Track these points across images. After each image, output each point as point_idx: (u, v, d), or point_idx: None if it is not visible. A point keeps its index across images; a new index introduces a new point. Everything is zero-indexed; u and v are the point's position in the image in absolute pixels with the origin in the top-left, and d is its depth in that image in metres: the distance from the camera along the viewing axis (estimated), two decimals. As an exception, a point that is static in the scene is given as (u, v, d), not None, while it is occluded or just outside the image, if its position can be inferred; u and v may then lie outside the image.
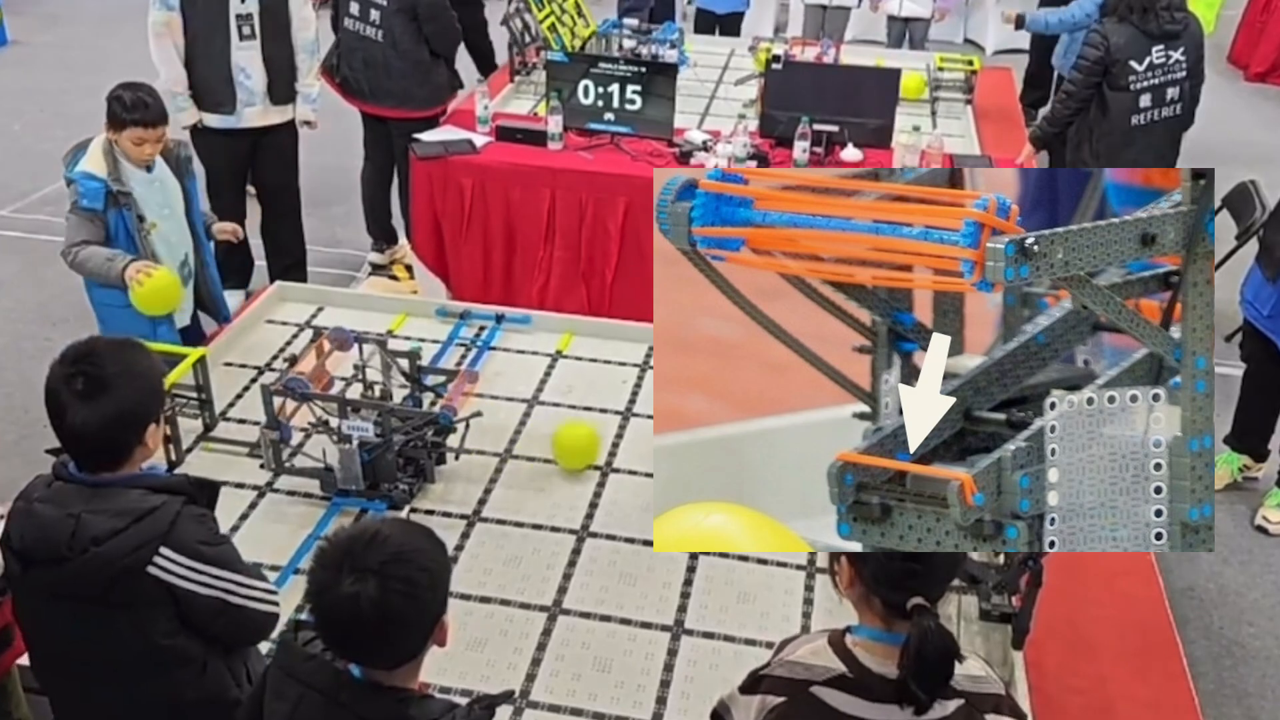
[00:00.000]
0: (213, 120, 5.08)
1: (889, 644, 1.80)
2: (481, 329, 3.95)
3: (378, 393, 3.29)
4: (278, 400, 3.06)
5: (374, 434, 3.00)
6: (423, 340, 3.81)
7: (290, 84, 5.19)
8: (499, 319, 3.98)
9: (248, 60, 5.00)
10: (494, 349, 3.86)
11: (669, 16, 7.48)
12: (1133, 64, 4.99)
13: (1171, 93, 5.10)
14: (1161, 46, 5.00)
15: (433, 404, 3.33)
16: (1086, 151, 5.25)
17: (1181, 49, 5.04)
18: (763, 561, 2.95)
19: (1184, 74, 5.09)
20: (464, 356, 3.80)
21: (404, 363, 3.34)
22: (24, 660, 2.57)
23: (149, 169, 3.86)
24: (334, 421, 3.04)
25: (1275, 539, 4.38)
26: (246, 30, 4.96)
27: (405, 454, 3.09)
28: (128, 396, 2.16)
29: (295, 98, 5.25)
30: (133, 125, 3.73)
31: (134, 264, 3.69)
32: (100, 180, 3.72)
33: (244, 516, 3.06)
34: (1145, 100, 5.07)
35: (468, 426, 3.18)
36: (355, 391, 3.34)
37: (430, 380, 3.41)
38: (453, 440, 3.19)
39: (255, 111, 5.12)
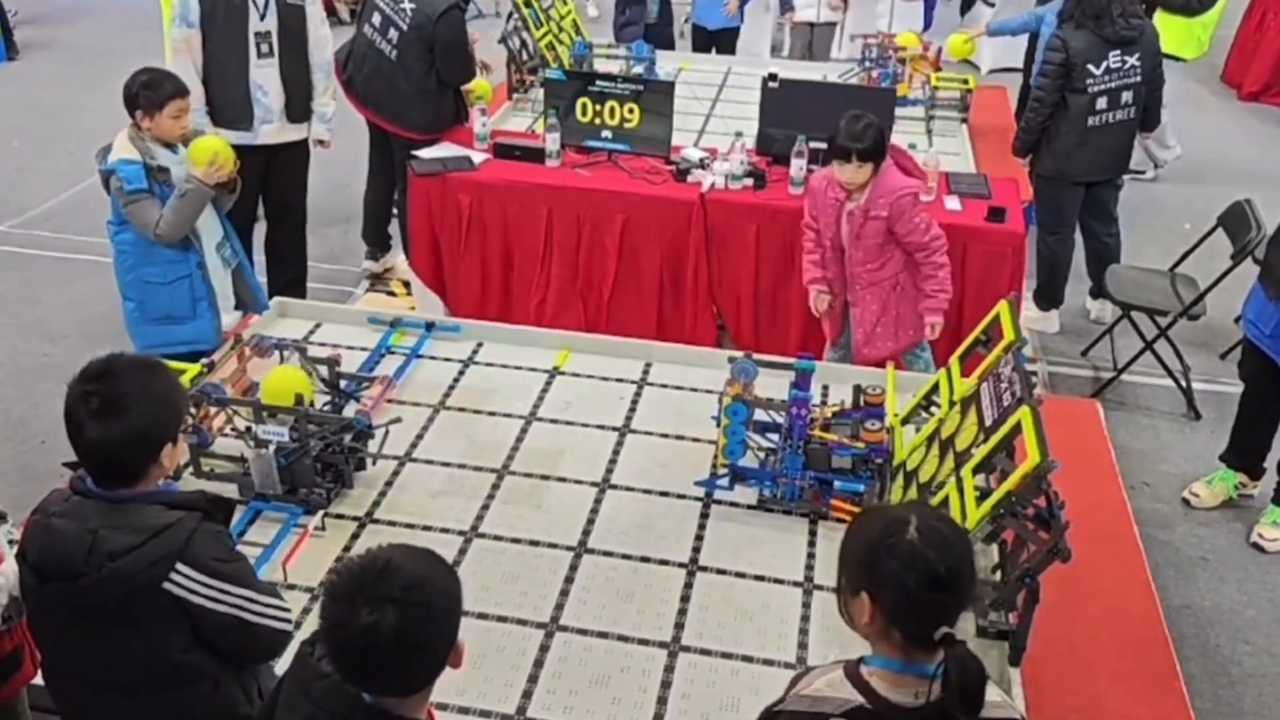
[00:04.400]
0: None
1: (909, 675, 1.79)
2: (480, 346, 3.96)
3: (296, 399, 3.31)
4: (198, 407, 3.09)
5: (290, 439, 3.01)
6: (420, 356, 3.83)
7: (306, 102, 5.22)
8: (429, 327, 4.00)
9: (265, 78, 5.03)
10: (491, 365, 3.86)
11: (668, 36, 7.52)
12: (1090, 68, 5.25)
13: (1126, 96, 5.35)
14: (1118, 52, 5.26)
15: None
16: (1045, 150, 5.50)
17: (1137, 55, 5.29)
18: (760, 578, 2.95)
19: (1139, 79, 5.34)
20: (461, 371, 3.81)
21: (323, 369, 3.34)
22: (33, 680, 2.57)
23: (174, 151, 4.01)
24: (252, 427, 3.06)
25: (1271, 556, 4.37)
26: (265, 48, 4.99)
27: (323, 459, 3.10)
28: (143, 417, 2.16)
29: (310, 116, 5.27)
30: (173, 98, 3.92)
31: (193, 174, 3.93)
32: (137, 162, 3.89)
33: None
34: (1101, 103, 5.33)
35: (387, 433, 3.20)
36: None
37: (354, 387, 3.42)
38: (373, 447, 3.21)
39: (272, 129, 5.14)
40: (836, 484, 3.11)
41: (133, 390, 2.16)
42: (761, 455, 3.19)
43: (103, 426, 2.13)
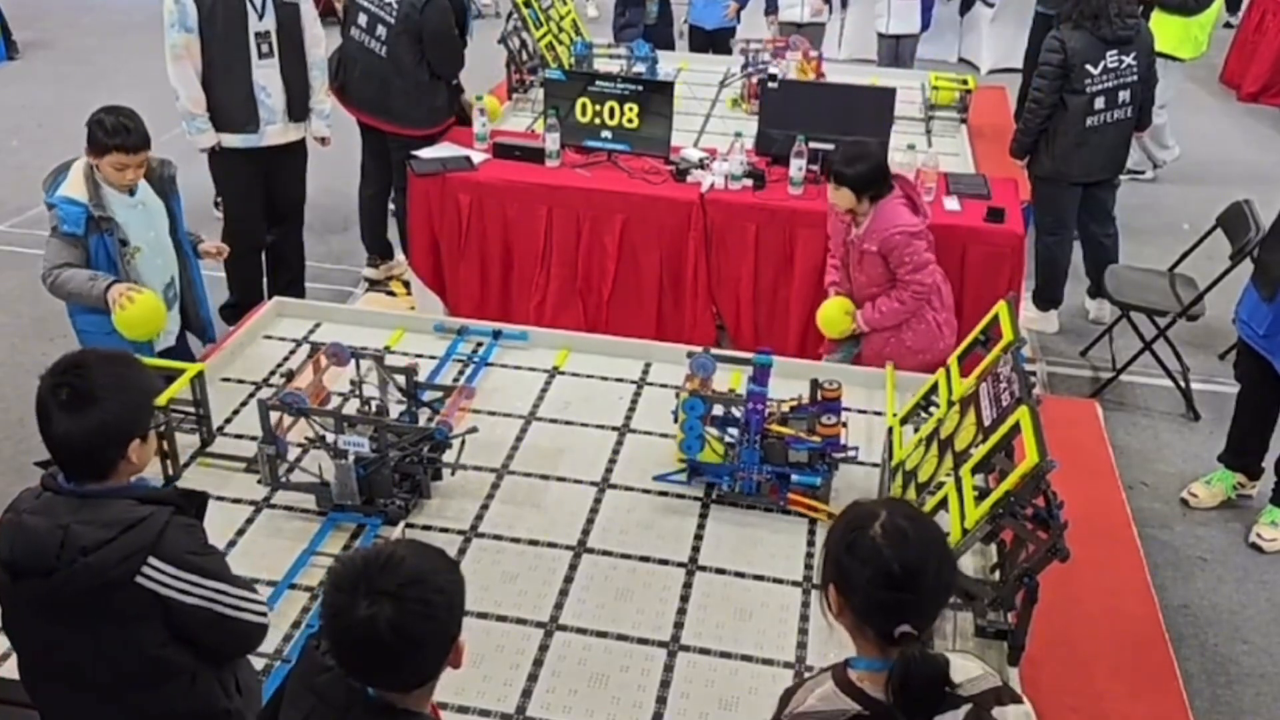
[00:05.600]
0: (233, 140, 5.09)
1: (888, 673, 1.80)
2: (479, 345, 3.96)
3: (374, 408, 3.30)
4: (274, 415, 3.06)
5: (370, 449, 3.00)
6: (420, 356, 3.83)
7: (306, 101, 5.23)
8: (496, 335, 3.99)
9: (267, 79, 5.03)
10: (491, 365, 3.86)
11: (667, 37, 7.52)
12: (1088, 68, 5.26)
13: (1123, 96, 5.36)
14: (1115, 51, 5.27)
15: (429, 420, 3.33)
16: (1043, 152, 5.49)
17: (1134, 54, 5.31)
18: (759, 578, 2.95)
19: (1135, 78, 5.35)
20: (461, 372, 3.81)
21: (400, 378, 3.34)
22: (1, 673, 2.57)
23: (131, 192, 3.80)
24: (330, 437, 3.04)
25: (1269, 556, 4.38)
26: (265, 48, 4.99)
27: (401, 469, 3.10)
28: (112, 410, 2.16)
29: (309, 115, 5.27)
30: (115, 150, 3.67)
31: (117, 285, 3.67)
32: (81, 205, 3.68)
33: (240, 531, 3.06)
34: (1099, 103, 5.34)
35: (464, 442, 3.18)
36: (352, 407, 3.33)
37: (427, 396, 3.41)
38: (449, 456, 3.20)
39: (275, 130, 5.15)
40: (794, 478, 3.13)
41: (104, 383, 2.16)
42: (719, 450, 3.20)
43: (70, 419, 2.13)
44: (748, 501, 3.19)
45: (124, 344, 3.74)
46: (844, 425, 3.19)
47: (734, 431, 3.15)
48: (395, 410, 3.34)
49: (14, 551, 2.15)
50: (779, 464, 3.14)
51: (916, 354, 4.19)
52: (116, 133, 3.67)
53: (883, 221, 4.04)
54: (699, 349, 3.32)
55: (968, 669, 1.84)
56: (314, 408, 3.14)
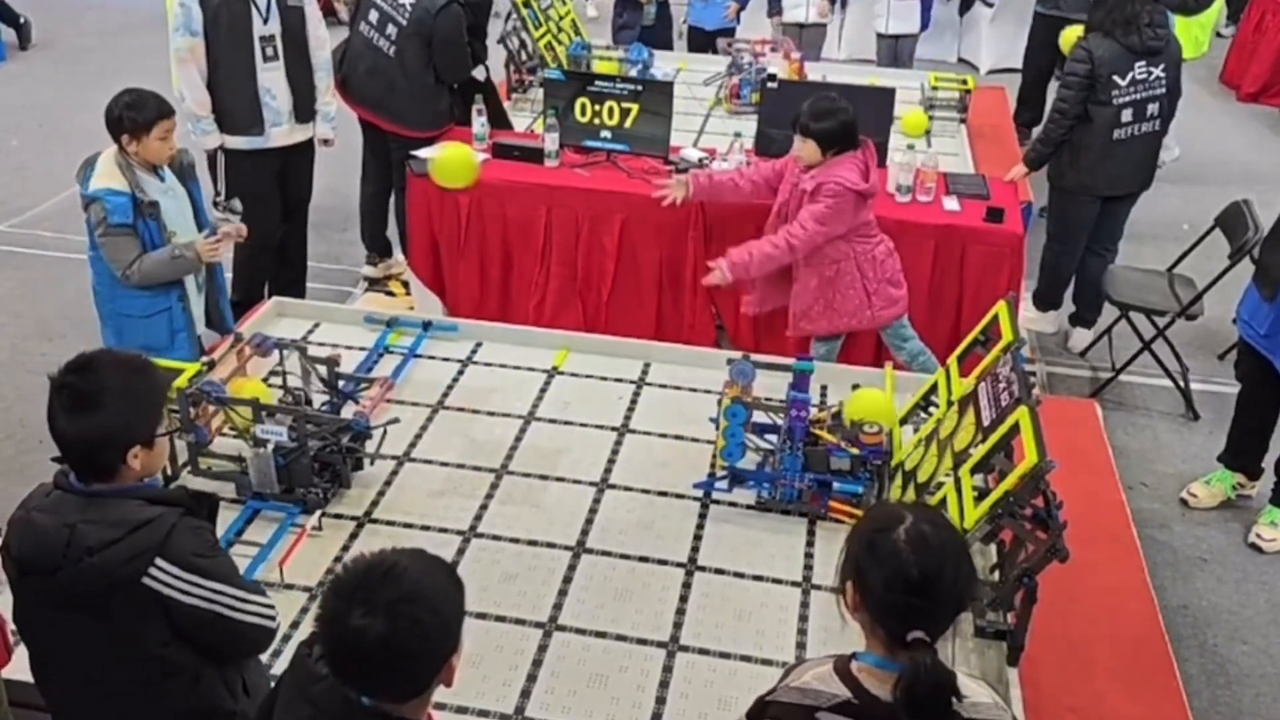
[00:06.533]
0: (238, 143, 5.09)
1: (892, 672, 1.81)
2: (478, 344, 3.95)
3: (294, 398, 3.31)
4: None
5: (288, 439, 3.01)
6: (418, 356, 3.83)
7: (311, 103, 5.23)
8: (426, 326, 3.99)
9: (272, 81, 5.03)
10: (490, 364, 3.86)
11: (666, 39, 7.52)
12: (1116, 79, 5.10)
13: (1152, 108, 5.21)
14: (1144, 62, 5.11)
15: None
16: (1067, 163, 5.34)
17: (1162, 65, 5.15)
18: (759, 578, 2.95)
19: (1164, 90, 5.21)
20: (459, 372, 3.81)
21: (322, 369, 3.35)
22: (9, 674, 2.57)
23: (161, 178, 3.89)
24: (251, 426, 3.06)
25: (1269, 557, 4.38)
26: (270, 52, 4.99)
27: (321, 459, 3.11)
28: (112, 416, 2.14)
29: (315, 116, 5.28)
30: (161, 118, 3.80)
31: (199, 244, 3.87)
32: (125, 193, 3.78)
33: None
34: (1127, 115, 5.18)
35: (385, 433, 3.21)
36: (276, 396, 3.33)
37: (352, 387, 3.43)
38: (371, 446, 3.21)
39: (282, 131, 5.14)
40: (835, 485, 3.11)
41: (109, 387, 2.15)
42: (760, 457, 3.19)
43: (71, 420, 2.13)
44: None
45: (159, 329, 3.94)
46: (888, 434, 3.18)
47: (773, 438, 3.15)
48: (319, 400, 3.36)
49: (22, 548, 2.17)
50: (820, 471, 3.12)
51: (844, 317, 4.29)
52: (150, 101, 3.81)
53: (827, 171, 4.13)
54: (738, 355, 3.32)
55: (976, 693, 1.85)
56: (232, 397, 3.14)
